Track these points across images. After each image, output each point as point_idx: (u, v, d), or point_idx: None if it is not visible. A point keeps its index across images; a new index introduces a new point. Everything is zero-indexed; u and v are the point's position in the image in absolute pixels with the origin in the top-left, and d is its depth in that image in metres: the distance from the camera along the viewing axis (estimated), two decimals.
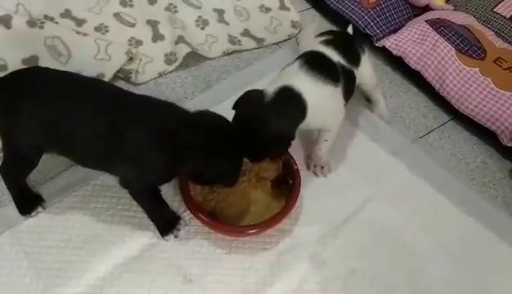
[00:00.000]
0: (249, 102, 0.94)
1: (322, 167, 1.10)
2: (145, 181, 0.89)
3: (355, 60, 1.10)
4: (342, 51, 1.07)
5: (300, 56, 1.04)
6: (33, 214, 0.96)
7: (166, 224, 0.96)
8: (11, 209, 0.96)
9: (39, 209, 0.97)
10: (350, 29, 1.25)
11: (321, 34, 1.15)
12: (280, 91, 0.93)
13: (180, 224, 0.97)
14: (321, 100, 0.97)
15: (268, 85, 0.97)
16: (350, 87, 1.07)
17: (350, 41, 1.16)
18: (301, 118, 0.95)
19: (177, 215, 0.98)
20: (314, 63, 1.00)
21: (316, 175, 1.10)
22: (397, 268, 0.97)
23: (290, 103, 0.94)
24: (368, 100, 1.26)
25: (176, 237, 0.96)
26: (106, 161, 0.88)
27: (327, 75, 0.99)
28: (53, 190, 1.00)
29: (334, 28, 1.49)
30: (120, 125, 0.83)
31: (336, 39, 1.11)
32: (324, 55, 1.05)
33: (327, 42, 1.08)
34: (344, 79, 1.04)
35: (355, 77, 1.09)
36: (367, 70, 1.16)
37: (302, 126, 0.96)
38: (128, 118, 0.84)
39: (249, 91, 0.97)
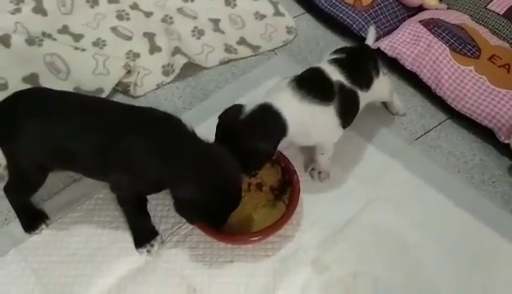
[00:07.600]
0: (229, 116, 0.96)
1: (320, 172, 1.10)
2: (135, 188, 0.90)
3: (362, 82, 1.06)
4: (347, 71, 1.03)
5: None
6: (37, 231, 0.98)
7: (142, 236, 0.97)
8: (17, 226, 0.98)
9: (43, 226, 0.98)
10: (371, 39, 1.22)
11: (335, 51, 1.12)
12: (257, 109, 0.94)
13: (155, 240, 0.96)
14: (306, 118, 0.97)
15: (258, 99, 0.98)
16: (349, 107, 1.04)
17: (362, 61, 1.11)
18: (281, 135, 0.95)
19: (155, 230, 0.98)
20: (304, 81, 0.99)
21: (312, 177, 1.11)
22: (399, 269, 0.98)
23: (266, 120, 0.94)
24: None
25: (148, 252, 0.95)
26: (104, 172, 0.90)
27: (315, 94, 0.97)
28: (57, 206, 1.02)
29: (328, 32, 1.50)
30: (116, 136, 0.85)
31: (346, 58, 1.07)
32: (322, 74, 1.03)
33: (334, 61, 1.06)
34: (342, 99, 1.00)
35: (358, 99, 1.05)
36: (382, 92, 1.17)
37: (291, 142, 0.98)
38: (123, 129, 0.86)
39: (234, 105, 0.98)
